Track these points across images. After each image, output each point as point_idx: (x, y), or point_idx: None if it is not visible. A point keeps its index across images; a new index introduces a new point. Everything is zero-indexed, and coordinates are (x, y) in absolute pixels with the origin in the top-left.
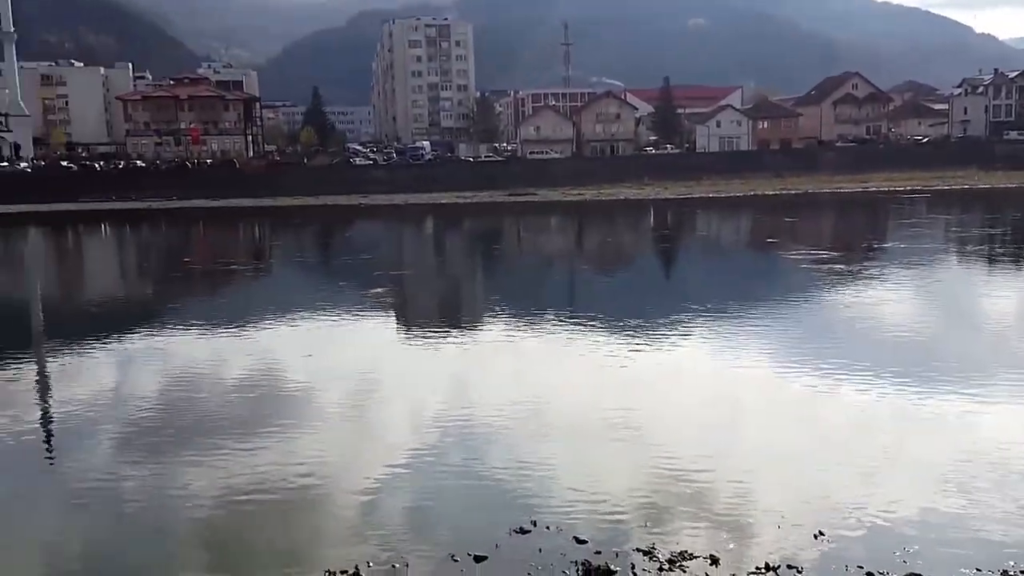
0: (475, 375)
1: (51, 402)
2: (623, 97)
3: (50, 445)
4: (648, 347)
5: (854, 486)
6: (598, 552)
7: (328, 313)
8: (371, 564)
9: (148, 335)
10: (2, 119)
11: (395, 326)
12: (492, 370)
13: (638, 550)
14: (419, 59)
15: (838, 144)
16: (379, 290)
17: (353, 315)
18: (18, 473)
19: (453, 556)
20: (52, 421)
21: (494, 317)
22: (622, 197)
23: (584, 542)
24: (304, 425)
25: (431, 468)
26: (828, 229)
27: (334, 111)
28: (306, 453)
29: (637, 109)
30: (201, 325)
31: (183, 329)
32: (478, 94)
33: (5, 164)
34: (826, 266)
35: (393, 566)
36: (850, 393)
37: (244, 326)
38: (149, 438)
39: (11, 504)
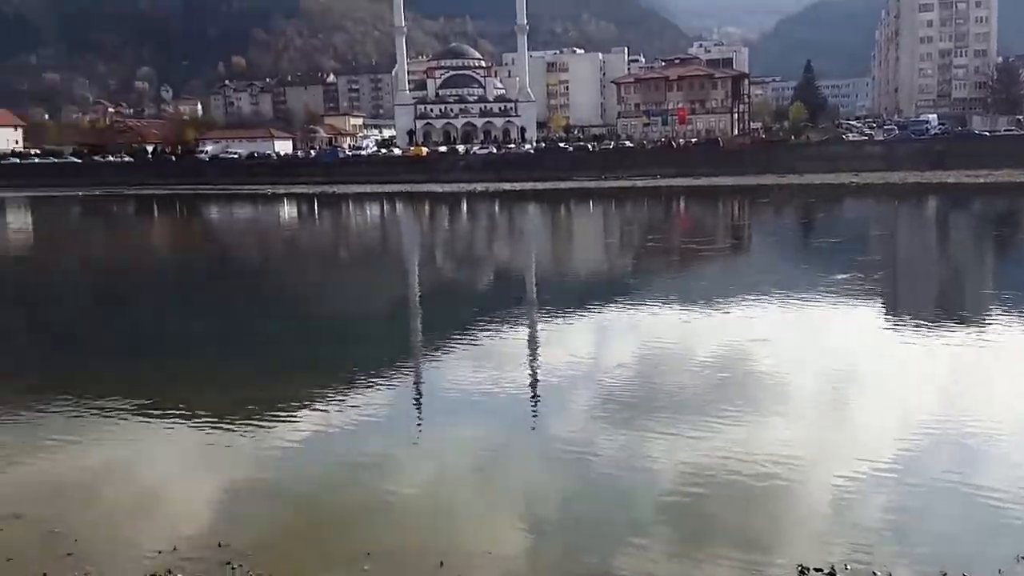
0: (970, 379)
1: (537, 363)
2: None
3: (535, 403)
4: None
5: None
6: None
7: (790, 297)
8: (848, 567)
9: (617, 308)
10: (512, 105)
11: (866, 316)
12: (997, 375)
13: None
14: (930, 23)
15: None
16: (850, 275)
17: (819, 300)
18: (506, 425)
19: (944, 574)
20: (537, 381)
21: (1003, 315)
22: None
23: None
24: (768, 411)
25: (914, 474)
26: None
27: (827, 85)
28: (772, 440)
29: None
30: (662, 302)
31: (647, 304)
32: (999, 59)
33: (512, 146)
34: None
35: (874, 574)
36: None
37: (701, 305)
38: (618, 407)
39: (499, 454)
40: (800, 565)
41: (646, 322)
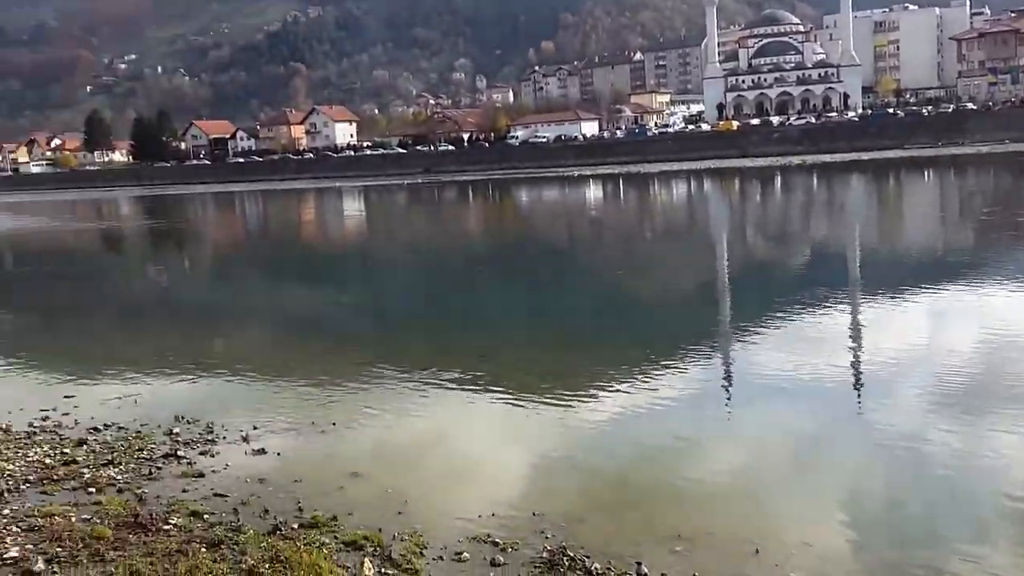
0: None
1: (859, 347)
2: None
3: (856, 388)
4: None
5: None
6: None
7: None
8: None
9: (946, 289)
10: (833, 70)
11: None
12: None
13: None
14: None
15: None
16: None
17: None
18: (825, 411)
19: None
20: (860, 366)
21: None
22: None
23: None
24: None
25: None
26: None
27: None
28: None
29: None
30: (1000, 283)
31: (982, 286)
32: None
33: (833, 114)
34: None
35: None
36: None
37: None
38: (952, 397)
39: (818, 441)
40: None
41: (981, 305)
